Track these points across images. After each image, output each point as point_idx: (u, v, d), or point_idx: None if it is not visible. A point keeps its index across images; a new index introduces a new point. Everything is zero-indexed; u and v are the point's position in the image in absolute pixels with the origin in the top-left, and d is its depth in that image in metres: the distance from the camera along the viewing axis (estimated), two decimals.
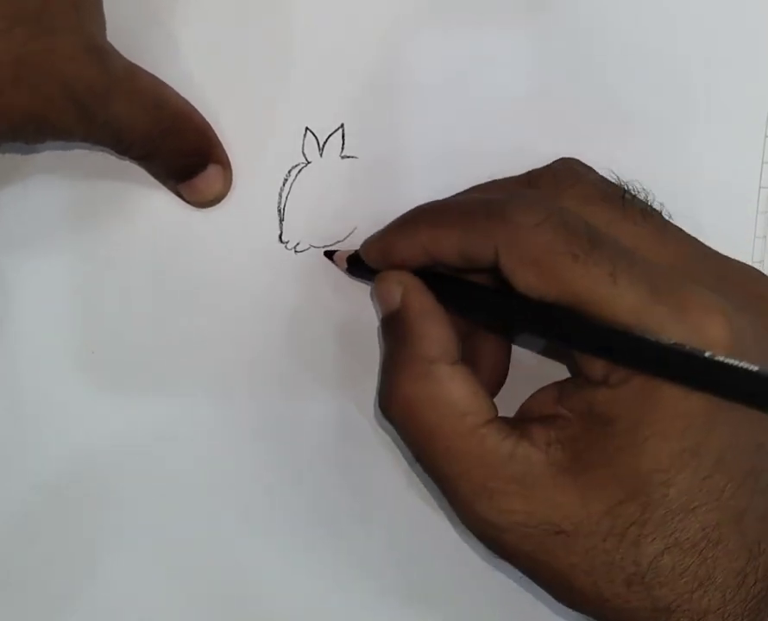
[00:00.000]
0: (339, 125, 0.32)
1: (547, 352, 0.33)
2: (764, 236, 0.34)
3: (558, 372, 0.32)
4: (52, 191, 0.31)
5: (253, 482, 0.33)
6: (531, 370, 0.33)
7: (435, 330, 0.28)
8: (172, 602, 0.33)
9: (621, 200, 0.29)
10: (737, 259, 0.30)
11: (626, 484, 0.25)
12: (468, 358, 0.29)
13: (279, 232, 0.32)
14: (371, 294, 0.33)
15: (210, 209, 0.32)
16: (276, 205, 0.32)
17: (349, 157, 0.32)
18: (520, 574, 0.28)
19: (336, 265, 0.32)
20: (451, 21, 0.32)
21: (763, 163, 0.33)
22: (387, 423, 0.29)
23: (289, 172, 0.32)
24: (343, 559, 0.34)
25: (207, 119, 0.31)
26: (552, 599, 0.27)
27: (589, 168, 0.31)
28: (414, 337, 0.28)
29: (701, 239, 0.30)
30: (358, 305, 0.33)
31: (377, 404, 0.31)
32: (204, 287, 0.32)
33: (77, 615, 0.33)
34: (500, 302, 0.28)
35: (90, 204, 0.31)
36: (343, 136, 0.32)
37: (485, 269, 0.27)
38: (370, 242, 0.30)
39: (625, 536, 0.25)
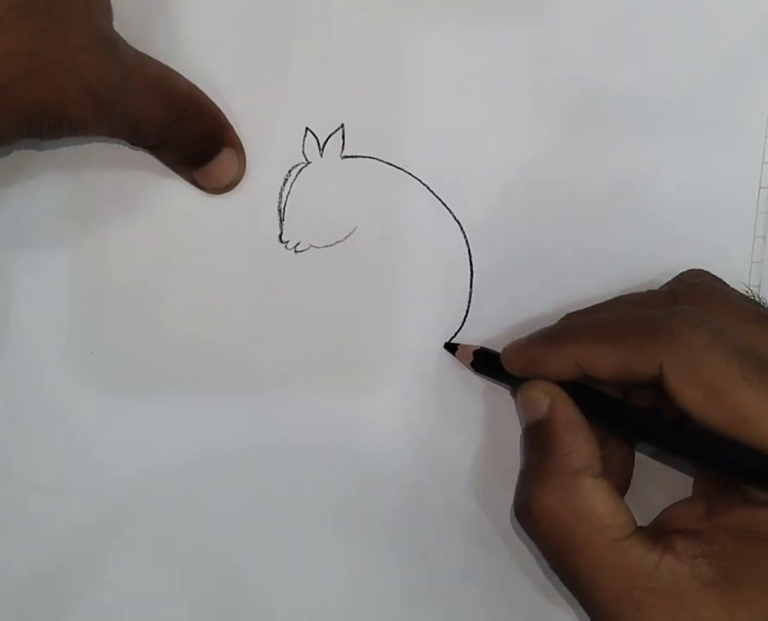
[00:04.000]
0: (339, 125, 0.32)
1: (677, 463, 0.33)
2: (764, 236, 0.34)
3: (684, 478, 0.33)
4: (52, 190, 0.31)
5: (253, 480, 0.33)
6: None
7: (580, 443, 0.28)
8: (172, 603, 0.33)
9: (767, 321, 0.29)
10: None
11: None
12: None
13: (279, 232, 0.32)
14: (515, 403, 0.33)
15: (210, 208, 0.32)
16: (276, 205, 0.32)
17: (349, 157, 0.32)
18: None
19: (460, 359, 0.33)
20: (451, 21, 0.32)
21: (763, 163, 0.33)
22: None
23: (289, 172, 0.32)
24: (346, 561, 0.34)
25: None
26: None
27: (722, 281, 0.31)
28: (560, 449, 0.28)
29: (701, 239, 0.30)
30: (358, 303, 0.33)
31: (513, 512, 0.32)
32: (204, 287, 0.32)
33: (77, 616, 0.33)
34: (655, 425, 0.28)
35: (89, 205, 0.31)
36: (343, 136, 0.32)
37: (639, 384, 0.27)
38: (515, 351, 0.30)
39: None
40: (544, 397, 0.29)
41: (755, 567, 0.26)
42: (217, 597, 0.34)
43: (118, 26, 0.28)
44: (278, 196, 0.32)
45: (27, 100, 0.26)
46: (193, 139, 0.30)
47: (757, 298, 0.30)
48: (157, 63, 0.29)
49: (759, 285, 0.34)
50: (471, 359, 0.32)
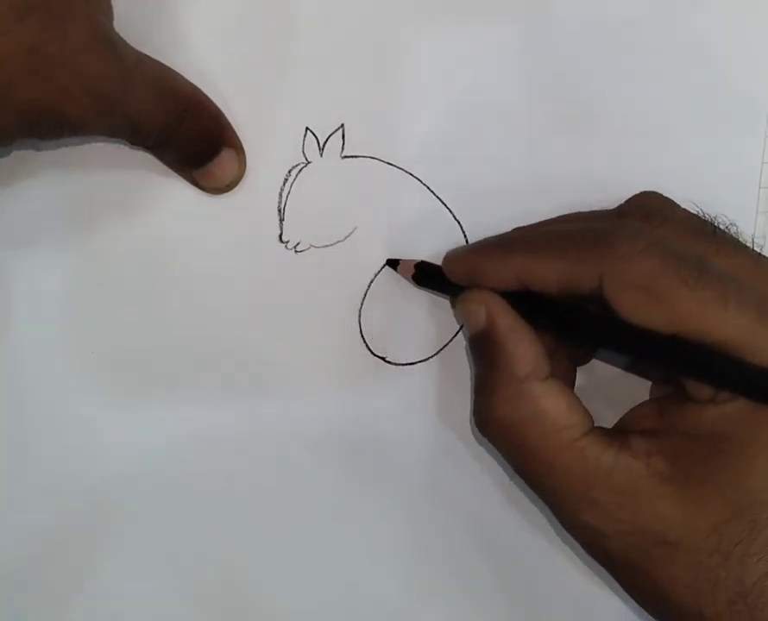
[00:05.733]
0: (339, 125, 0.32)
1: (632, 368, 0.33)
2: (764, 236, 0.34)
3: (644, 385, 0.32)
4: (52, 190, 0.31)
5: (252, 482, 0.33)
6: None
7: (523, 349, 0.28)
8: (173, 603, 0.33)
9: (713, 235, 0.28)
10: None
11: (734, 502, 0.25)
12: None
13: (279, 232, 0.32)
14: (452, 309, 0.32)
15: (209, 208, 0.32)
16: (276, 205, 0.32)
17: (349, 157, 0.32)
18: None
19: (401, 274, 0.32)
20: (451, 21, 0.32)
21: (763, 163, 0.33)
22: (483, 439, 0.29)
23: (289, 172, 0.32)
24: (351, 561, 0.34)
25: None
26: None
27: (673, 202, 0.30)
28: (503, 358, 0.28)
29: None
30: (358, 303, 0.33)
31: (472, 422, 0.31)
32: (204, 287, 0.32)
33: (77, 615, 0.33)
34: (599, 325, 0.27)
35: (89, 205, 0.31)
36: (343, 136, 0.32)
37: (581, 296, 0.27)
38: (456, 258, 0.30)
39: (731, 555, 0.25)
40: (480, 307, 0.28)
41: (707, 466, 0.25)
42: (218, 596, 0.34)
43: (118, 26, 0.28)
44: (278, 196, 0.32)
45: (27, 100, 0.26)
46: (194, 139, 0.30)
47: (709, 219, 0.29)
48: (158, 63, 0.29)
49: None
50: (413, 272, 0.31)
